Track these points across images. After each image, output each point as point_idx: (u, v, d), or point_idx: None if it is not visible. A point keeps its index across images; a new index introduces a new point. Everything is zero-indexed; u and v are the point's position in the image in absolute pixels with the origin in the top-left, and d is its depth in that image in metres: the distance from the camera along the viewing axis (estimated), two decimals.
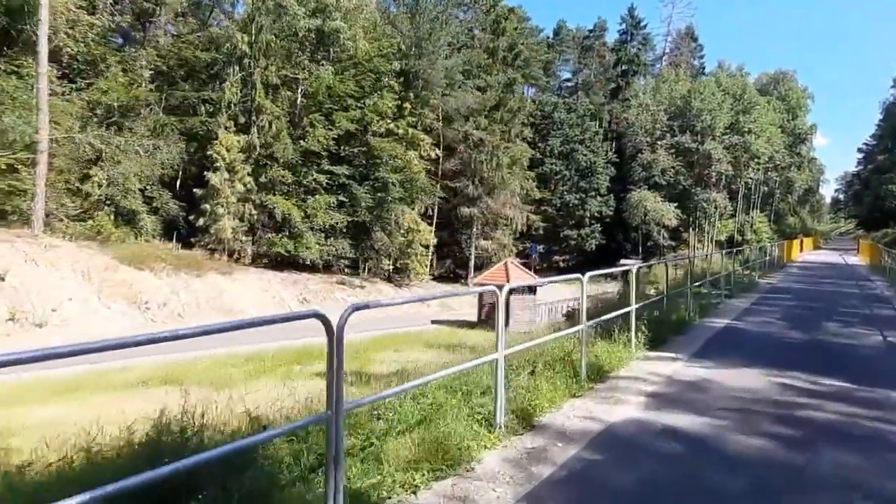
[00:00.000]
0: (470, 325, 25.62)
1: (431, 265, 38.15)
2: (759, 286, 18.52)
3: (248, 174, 27.36)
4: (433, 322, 27.34)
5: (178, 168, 28.51)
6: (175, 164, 25.67)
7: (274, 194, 27.95)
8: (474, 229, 38.06)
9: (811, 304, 13.71)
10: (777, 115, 63.53)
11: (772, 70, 71.94)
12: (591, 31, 69.56)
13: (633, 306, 8.16)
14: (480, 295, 25.60)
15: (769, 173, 61.67)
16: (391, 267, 33.02)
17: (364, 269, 34.11)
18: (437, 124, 34.82)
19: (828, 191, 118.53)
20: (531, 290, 25.04)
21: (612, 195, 51.51)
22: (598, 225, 50.04)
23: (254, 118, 28.83)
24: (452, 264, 40.02)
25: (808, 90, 73.79)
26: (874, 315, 12.37)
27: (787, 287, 18.43)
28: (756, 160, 54.07)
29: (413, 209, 34.09)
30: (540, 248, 47.36)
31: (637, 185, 49.10)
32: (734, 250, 36.08)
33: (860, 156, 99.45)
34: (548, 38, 69.16)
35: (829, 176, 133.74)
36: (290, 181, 28.81)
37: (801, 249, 47.26)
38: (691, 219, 52.42)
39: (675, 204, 49.71)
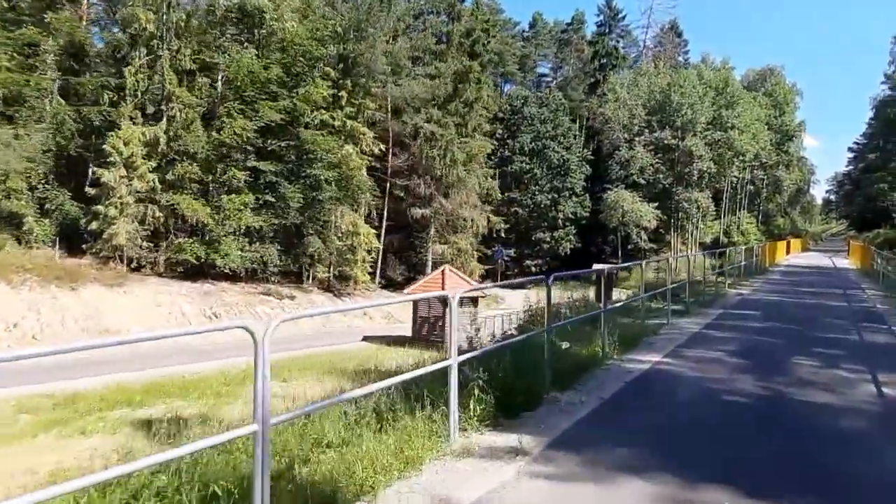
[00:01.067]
0: (405, 341, 22.20)
1: (381, 272, 34.71)
2: (727, 298, 15.17)
3: (151, 171, 23.87)
4: (364, 339, 23.93)
5: (80, 164, 25.04)
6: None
7: (183, 193, 24.43)
8: (431, 232, 34.66)
9: (783, 326, 10.34)
10: (763, 110, 60.52)
11: (759, 66, 69.04)
12: (569, 24, 66.55)
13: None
14: (415, 307, 22.23)
15: (755, 172, 58.58)
16: (329, 275, 29.57)
17: (309, 276, 30.69)
18: (383, 116, 31.45)
19: (819, 191, 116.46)
20: (473, 301, 21.64)
21: (587, 195, 48.26)
22: (573, 227, 46.71)
23: (164, 107, 25.39)
24: (407, 270, 36.58)
25: (797, 86, 70.97)
26: (864, 343, 9.03)
27: (759, 300, 15.07)
28: (741, 157, 50.91)
29: (357, 210, 30.67)
30: (508, 252, 44.02)
31: (614, 184, 45.81)
32: (716, 252, 32.98)
33: (851, 155, 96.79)
34: (523, 31, 66.13)
35: (819, 176, 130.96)
36: (203, 179, 25.34)
37: (788, 251, 44.05)
38: (672, 220, 49.17)
39: (655, 204, 46.47)
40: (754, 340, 8.95)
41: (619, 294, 24.44)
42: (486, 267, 39.72)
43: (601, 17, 59.08)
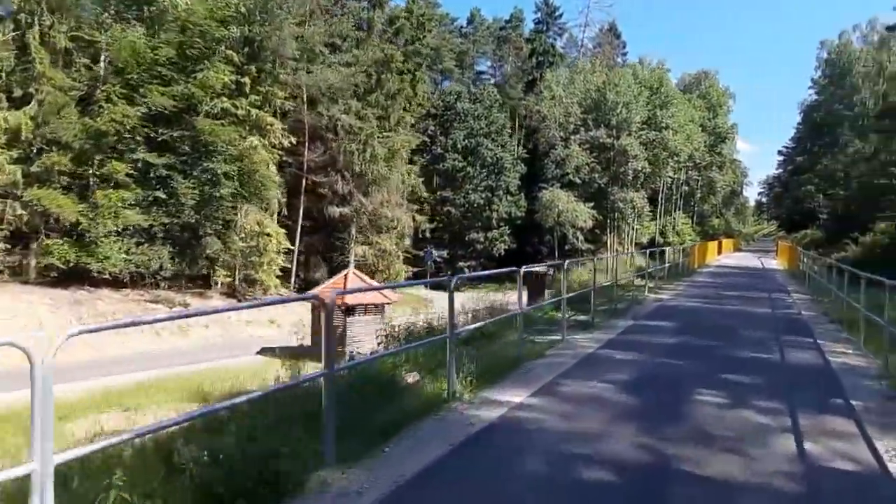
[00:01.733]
0: (303, 353, 19.85)
1: (302, 275, 32.16)
2: (643, 305, 13.64)
3: (11, 162, 20.63)
4: (261, 351, 21.46)
5: None
6: None
7: (50, 188, 21.27)
8: (353, 232, 32.33)
9: (696, 343, 8.70)
10: (697, 112, 61.11)
11: (694, 70, 69.95)
12: (507, 21, 65.28)
13: None
14: (314, 315, 19.92)
15: (690, 173, 58.96)
16: (234, 279, 26.86)
17: (218, 281, 27.85)
18: (295, 106, 28.92)
19: (752, 193, 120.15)
20: (378, 307, 19.52)
21: (523, 195, 46.92)
22: (508, 227, 45.27)
23: (33, 90, 22.14)
24: (330, 273, 34.06)
25: (730, 90, 72.34)
26: (787, 365, 7.46)
27: (677, 307, 13.63)
28: (675, 158, 50.82)
29: (267, 209, 28.06)
30: (439, 253, 42.15)
31: (550, 183, 44.64)
32: (648, 252, 32.08)
33: (780, 159, 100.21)
34: (461, 28, 64.53)
35: (752, 179, 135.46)
36: (77, 172, 22.23)
37: (720, 252, 44.03)
38: (609, 220, 48.52)
39: (591, 204, 45.63)
40: (657, 365, 7.21)
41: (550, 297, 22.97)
42: (416, 269, 37.70)
43: (539, 15, 58.14)
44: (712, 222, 75.51)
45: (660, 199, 57.21)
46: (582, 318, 10.63)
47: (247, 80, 25.77)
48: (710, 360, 7.44)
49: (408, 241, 38.25)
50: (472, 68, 65.37)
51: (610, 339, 8.86)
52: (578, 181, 45.83)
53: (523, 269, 10.72)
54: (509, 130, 46.01)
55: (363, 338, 18.58)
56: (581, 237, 46.51)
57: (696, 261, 26.33)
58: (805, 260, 21.72)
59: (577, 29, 63.04)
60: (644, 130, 47.64)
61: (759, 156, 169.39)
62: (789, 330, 10.02)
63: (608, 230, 48.97)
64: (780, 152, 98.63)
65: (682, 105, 56.60)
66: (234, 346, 22.70)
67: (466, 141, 44.23)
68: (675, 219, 62.53)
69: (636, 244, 57.55)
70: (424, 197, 38.18)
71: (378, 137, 30.47)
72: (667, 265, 20.38)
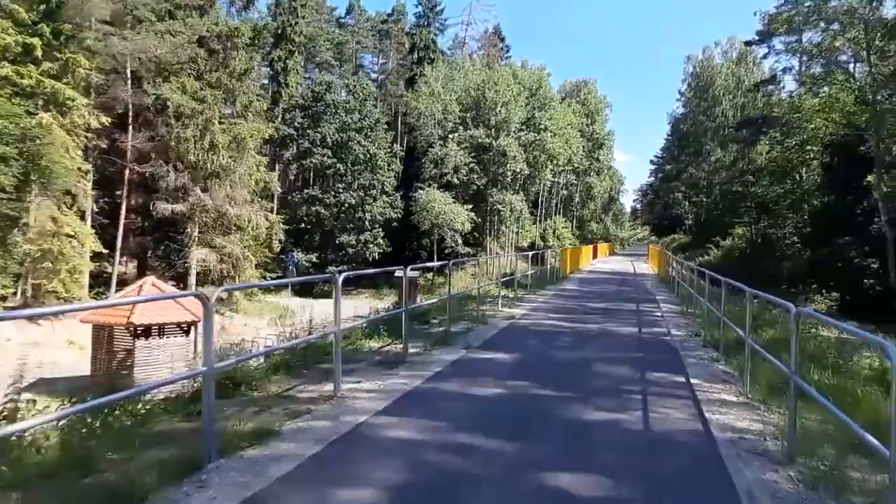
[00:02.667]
0: (83, 386, 15.49)
1: (119, 283, 26.95)
2: (490, 325, 11.09)
3: None
4: (35, 385, 16.77)
5: None
6: None
7: None
8: (192, 233, 27.64)
9: (530, 397, 5.97)
10: (577, 118, 61.73)
11: (574, 79, 71.10)
12: (389, 14, 62.50)
13: None
14: (95, 337, 15.59)
15: (569, 177, 59.28)
16: (21, 289, 21.48)
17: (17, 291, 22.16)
18: (109, 80, 23.94)
19: (628, 200, 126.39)
20: (182, 328, 15.58)
21: (399, 195, 44.13)
22: (382, 229, 42.22)
23: None
24: (174, 282, 29.07)
25: (607, 99, 74.34)
26: (650, 439, 4.91)
27: (527, 328, 11.23)
28: (554, 161, 50.40)
29: (73, 204, 22.89)
30: (308, 257, 38.23)
31: (427, 183, 42.17)
32: (529, 256, 30.46)
33: (652, 167, 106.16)
34: (339, 18, 60.82)
35: (628, 186, 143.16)
36: None
37: (595, 255, 43.87)
38: (488, 223, 46.97)
39: (470, 206, 43.76)
40: (449, 455, 4.36)
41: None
42: (274, 276, 33.54)
43: (420, 9, 55.83)
44: (591, 227, 77.31)
45: (540, 202, 56.91)
46: (397, 348, 7.77)
47: (36, 42, 20.57)
48: (539, 437, 4.72)
49: (274, 245, 34.06)
50: (352, 61, 61.84)
51: (410, 390, 5.95)
52: (457, 182, 43.80)
53: (409, 269, 7.70)
54: (386, 126, 43.05)
55: (163, 367, 14.60)
56: (460, 240, 44.55)
57: (567, 266, 24.77)
58: (674, 265, 20.65)
59: (460, 27, 61.53)
60: (523, 132, 46.64)
61: (635, 166, 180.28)
62: (658, 364, 7.71)
63: (488, 233, 47.44)
64: (651, 161, 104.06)
65: (561, 109, 56.74)
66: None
67: (338, 135, 40.63)
68: (555, 223, 62.76)
69: (517, 248, 56.95)
70: (285, 194, 34.00)
71: (221, 123, 26.15)
72: (529, 272, 18.22)
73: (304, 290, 35.35)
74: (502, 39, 66.52)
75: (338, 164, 39.94)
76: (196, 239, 27.79)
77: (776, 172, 43.24)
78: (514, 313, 12.35)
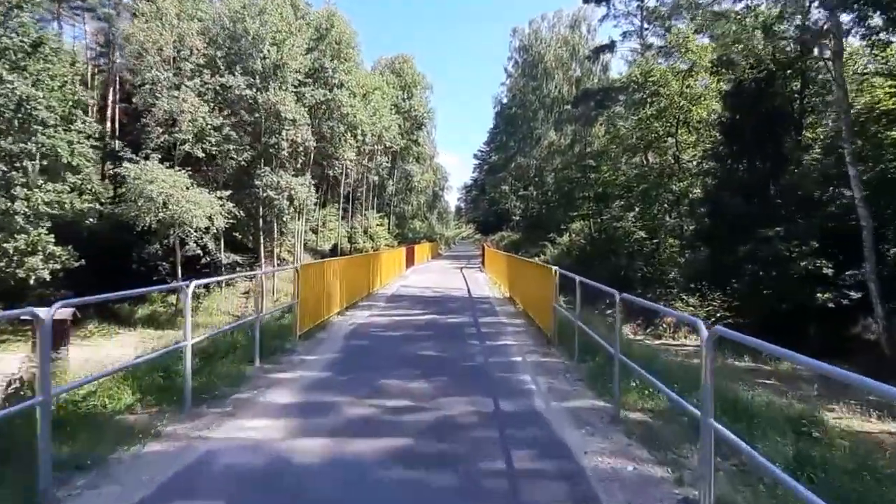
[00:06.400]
0: None
1: None
2: None
3: None
4: None
5: None
6: None
7: None
8: None
9: None
10: (391, 90, 49.43)
11: (391, 54, 58.76)
12: None
13: None
14: None
15: (380, 159, 46.50)
16: None
17: None
18: None
19: (452, 199, 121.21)
20: None
21: (101, 175, 27.36)
22: (52, 231, 25.20)
23: None
24: None
25: (427, 79, 63.34)
26: None
27: None
28: (354, 132, 37.08)
29: None
30: None
31: (149, 156, 26.19)
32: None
33: (476, 162, 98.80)
34: None
35: (453, 184, 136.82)
36: None
37: (412, 262, 31.45)
38: (261, 218, 32.19)
39: (227, 193, 28.67)
40: None
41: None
42: None
43: None
44: (414, 225, 66.01)
45: (341, 191, 43.37)
46: None
47: None
48: None
49: None
50: None
51: None
52: (201, 154, 28.37)
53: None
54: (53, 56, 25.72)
55: None
56: (211, 244, 29.24)
57: (337, 299, 11.33)
58: (569, 306, 8.55)
59: None
60: (308, 86, 32.66)
61: (461, 168, 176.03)
62: None
63: (261, 232, 32.63)
64: (475, 156, 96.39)
65: (367, 72, 43.96)
66: None
67: None
68: (367, 219, 49.84)
69: (316, 252, 42.87)
70: None
71: None
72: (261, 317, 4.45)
73: None
74: None
75: None
76: None
77: (631, 150, 34.91)
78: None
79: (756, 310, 18.93)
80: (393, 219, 59.12)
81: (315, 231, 44.76)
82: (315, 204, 41.37)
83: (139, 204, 25.39)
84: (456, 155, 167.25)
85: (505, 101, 66.47)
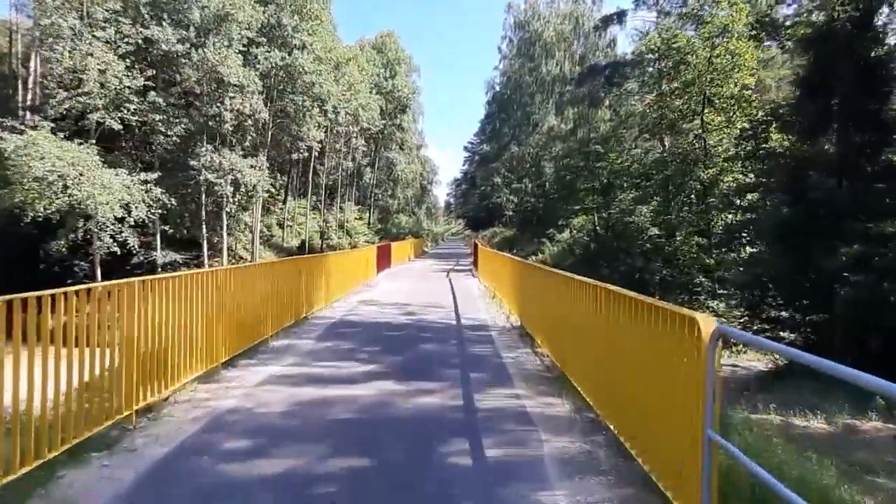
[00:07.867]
0: None
1: None
2: None
3: None
4: None
5: None
6: None
7: None
8: None
9: None
10: (371, 67, 43.42)
11: (374, 34, 52.82)
12: None
13: None
14: None
15: (357, 141, 40.44)
16: None
17: None
18: None
19: (442, 193, 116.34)
20: None
21: None
22: None
23: None
24: None
25: (413, 60, 57.54)
26: None
27: None
28: (323, 106, 30.99)
29: None
30: None
31: (22, 119, 20.09)
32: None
33: (467, 155, 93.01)
34: None
35: (442, 178, 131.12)
36: None
37: (389, 263, 25.46)
38: (201, 207, 26.09)
39: (154, 175, 22.56)
40: None
41: None
42: None
43: None
44: (399, 220, 60.05)
45: (309, 178, 37.23)
46: None
47: None
48: None
49: None
50: None
51: None
52: (118, 125, 22.17)
53: None
54: None
55: None
56: (133, 240, 23.06)
57: (190, 361, 5.42)
58: None
59: None
60: (260, 46, 26.53)
61: (451, 167, 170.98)
62: None
63: (205, 226, 26.50)
64: (465, 148, 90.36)
65: (342, 45, 37.95)
66: None
67: None
68: (343, 211, 43.91)
69: (282, 249, 36.77)
70: None
71: None
72: None
73: None
74: None
75: None
76: None
77: (648, 132, 29.22)
78: None
79: (857, 334, 13.37)
80: (375, 213, 53.18)
81: (281, 225, 38.69)
82: (278, 192, 35.33)
83: (25, 186, 19.24)
84: (445, 153, 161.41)
85: (498, 85, 60.78)
